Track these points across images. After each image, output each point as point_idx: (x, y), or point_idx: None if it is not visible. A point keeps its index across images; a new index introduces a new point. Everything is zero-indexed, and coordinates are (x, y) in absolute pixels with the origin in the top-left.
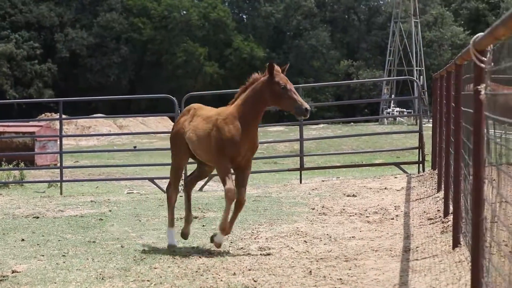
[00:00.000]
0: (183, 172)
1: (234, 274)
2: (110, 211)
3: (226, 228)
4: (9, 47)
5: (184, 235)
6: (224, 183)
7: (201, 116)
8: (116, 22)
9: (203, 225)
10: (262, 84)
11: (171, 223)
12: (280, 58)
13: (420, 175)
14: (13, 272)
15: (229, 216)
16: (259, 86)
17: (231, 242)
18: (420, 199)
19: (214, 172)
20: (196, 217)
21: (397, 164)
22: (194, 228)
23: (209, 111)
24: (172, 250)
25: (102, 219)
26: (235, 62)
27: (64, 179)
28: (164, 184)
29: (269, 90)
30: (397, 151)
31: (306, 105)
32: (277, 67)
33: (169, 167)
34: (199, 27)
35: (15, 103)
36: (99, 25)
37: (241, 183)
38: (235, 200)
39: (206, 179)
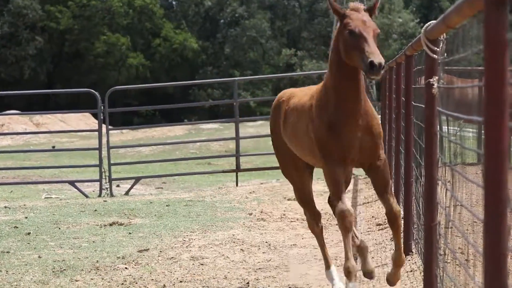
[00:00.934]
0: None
1: (164, 286)
2: (26, 217)
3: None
4: None
5: (368, 273)
6: (334, 200)
7: (295, 109)
8: (29, 8)
9: (130, 233)
10: (337, 31)
11: (326, 263)
12: (215, 48)
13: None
14: None
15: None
16: (335, 37)
17: (160, 252)
18: (367, 202)
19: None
20: (121, 224)
21: None
22: (120, 236)
23: (302, 96)
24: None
25: (17, 227)
26: (164, 54)
27: None
28: (86, 187)
29: (340, 37)
30: None
31: (374, 57)
32: (354, 4)
33: (90, 168)
34: (121, 14)
35: None
36: (11, 12)
37: (379, 187)
38: (389, 215)
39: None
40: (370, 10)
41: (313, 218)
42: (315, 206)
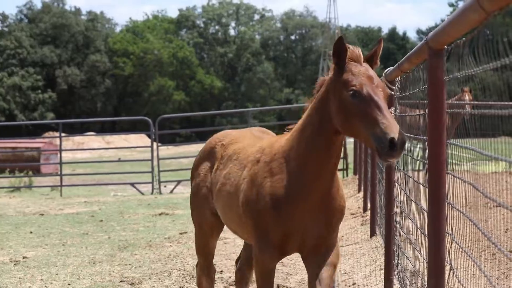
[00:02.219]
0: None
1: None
2: (100, 209)
3: None
4: (16, 79)
5: None
6: None
7: (235, 158)
8: (100, 62)
9: (173, 220)
10: (326, 86)
11: None
12: (234, 87)
13: (345, 179)
14: (23, 257)
15: None
16: (322, 92)
17: None
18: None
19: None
20: (167, 214)
21: None
22: (166, 222)
23: (248, 144)
24: (148, 240)
25: (93, 216)
26: (198, 92)
27: (63, 184)
28: (142, 187)
29: (334, 97)
30: None
31: (394, 133)
32: (354, 51)
33: (145, 174)
34: (168, 64)
35: (23, 124)
36: (89, 65)
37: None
38: None
39: None
40: (370, 60)
41: (205, 277)
42: (213, 260)
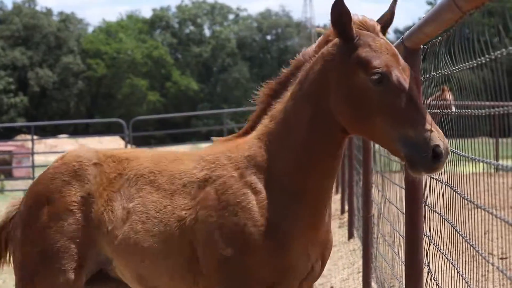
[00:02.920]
0: None
1: None
2: None
3: None
4: None
5: None
6: None
7: (150, 183)
8: (74, 63)
9: None
10: (322, 65)
11: None
12: (209, 88)
13: None
14: None
15: None
16: (314, 74)
17: None
18: None
19: None
20: None
21: None
22: None
23: (164, 161)
24: None
25: None
26: (174, 93)
27: None
28: None
29: (339, 82)
30: None
31: (440, 141)
32: (365, 17)
33: None
34: (142, 64)
35: None
36: (61, 66)
37: None
38: None
39: None
40: (384, 29)
41: None
42: None
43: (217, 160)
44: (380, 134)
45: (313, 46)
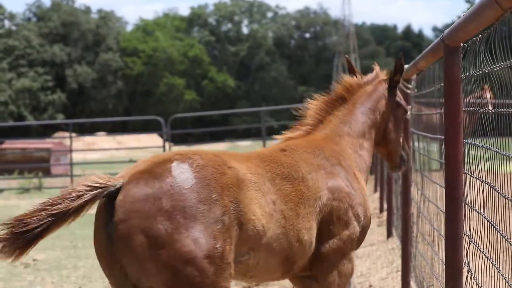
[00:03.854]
0: None
1: None
2: None
3: None
4: (25, 82)
5: None
6: None
7: (272, 170)
8: (113, 60)
9: None
10: (383, 99)
11: None
12: (247, 86)
13: None
14: (34, 260)
15: None
16: (384, 103)
17: None
18: None
19: None
20: None
21: None
22: None
23: (245, 158)
24: None
25: None
26: (210, 91)
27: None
28: None
29: (388, 112)
30: None
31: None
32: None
33: None
34: (179, 62)
35: (33, 125)
36: (100, 63)
37: None
38: None
39: None
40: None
41: None
42: None
43: (332, 150)
44: (392, 148)
45: (360, 78)
